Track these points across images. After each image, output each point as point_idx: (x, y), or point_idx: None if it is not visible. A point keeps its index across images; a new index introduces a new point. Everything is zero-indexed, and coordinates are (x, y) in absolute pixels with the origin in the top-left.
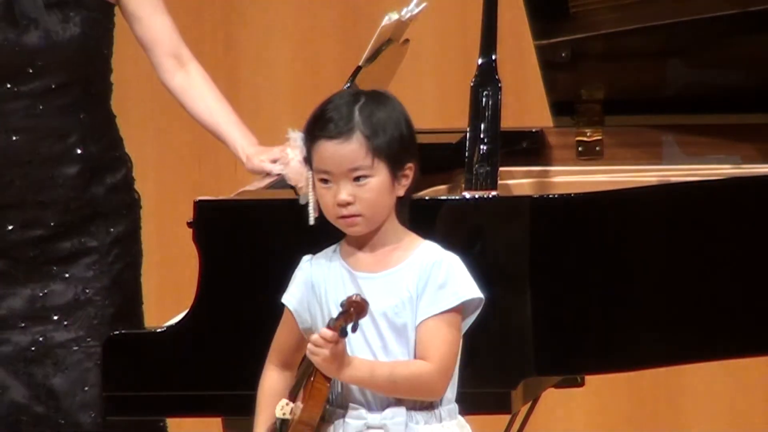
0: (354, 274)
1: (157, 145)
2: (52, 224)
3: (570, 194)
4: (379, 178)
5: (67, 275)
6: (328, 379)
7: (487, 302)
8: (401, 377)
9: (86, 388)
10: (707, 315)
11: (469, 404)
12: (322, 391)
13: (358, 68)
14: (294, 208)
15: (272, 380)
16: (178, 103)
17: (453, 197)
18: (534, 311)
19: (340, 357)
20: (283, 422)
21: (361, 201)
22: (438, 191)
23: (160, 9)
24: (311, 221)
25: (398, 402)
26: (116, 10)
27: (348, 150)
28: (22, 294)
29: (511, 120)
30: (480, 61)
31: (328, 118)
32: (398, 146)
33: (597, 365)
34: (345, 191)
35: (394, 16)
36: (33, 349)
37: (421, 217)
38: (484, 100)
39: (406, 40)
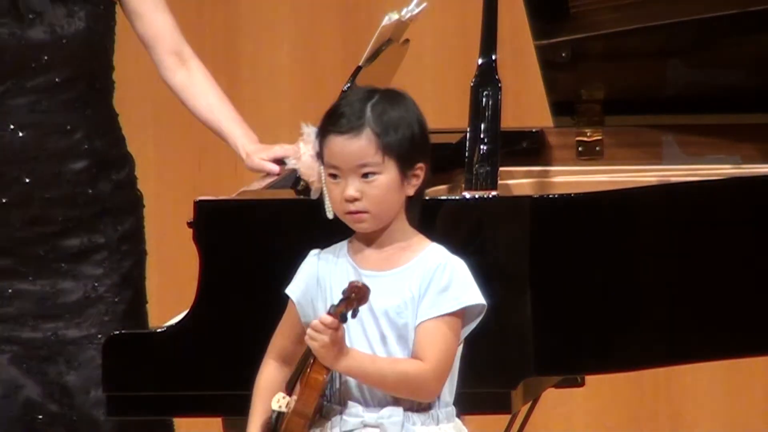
0: (359, 271)
1: (157, 145)
2: (60, 219)
3: (570, 194)
4: (387, 175)
5: (76, 273)
6: (326, 369)
7: (487, 302)
8: (395, 373)
9: (100, 386)
10: (707, 315)
11: (469, 404)
12: (319, 381)
13: (358, 68)
14: (294, 208)
15: (270, 374)
16: (179, 100)
17: (453, 197)
18: (534, 311)
19: (338, 345)
20: (279, 415)
21: (368, 197)
22: (438, 191)
23: (161, 6)
24: (329, 215)
25: (396, 402)
26: (117, 9)
27: (357, 146)
28: (32, 292)
29: (511, 120)
30: (480, 61)
31: (341, 113)
32: (409, 146)
33: (597, 365)
34: (353, 187)
35: (394, 16)
36: (45, 347)
37: (421, 217)
38: (484, 100)
39: (406, 40)
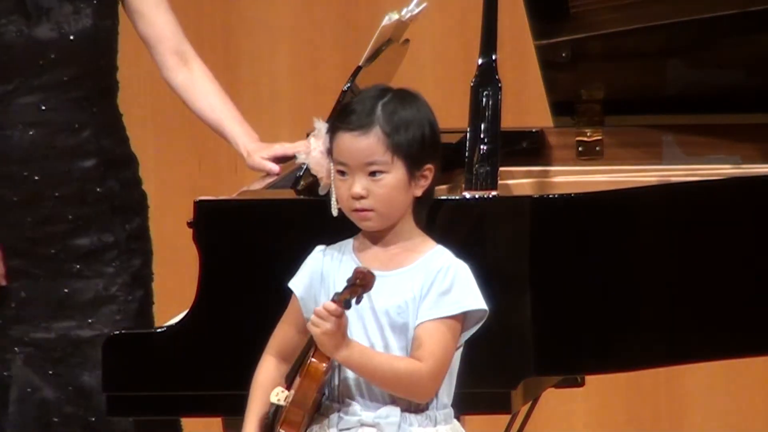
0: None
1: (157, 145)
2: (70, 218)
3: (570, 194)
4: (394, 175)
5: (88, 272)
6: (327, 358)
7: (487, 302)
8: (392, 369)
9: None
10: (707, 315)
11: (469, 404)
12: (319, 371)
13: (358, 68)
14: (294, 208)
15: (268, 370)
16: (180, 99)
17: (453, 197)
18: (534, 311)
19: (340, 333)
20: (277, 409)
21: (375, 196)
22: (438, 191)
23: (163, 6)
24: (334, 212)
25: (393, 402)
26: (119, 9)
27: (365, 144)
28: (43, 293)
29: (511, 120)
30: (480, 61)
31: (351, 110)
32: (418, 146)
33: (597, 365)
34: (359, 184)
35: (394, 16)
36: (59, 348)
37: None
38: (484, 100)
39: (406, 40)
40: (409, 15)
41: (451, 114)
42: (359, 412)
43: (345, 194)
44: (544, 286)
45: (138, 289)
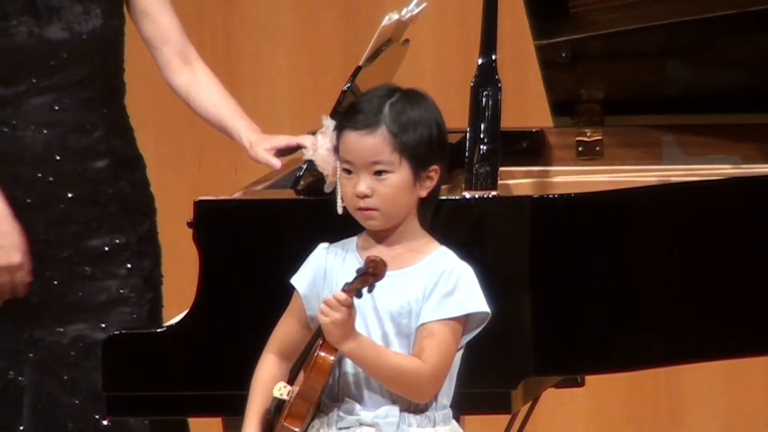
0: None
1: (157, 145)
2: (82, 219)
3: (570, 194)
4: (400, 175)
5: (100, 275)
6: (334, 350)
7: (487, 302)
8: (394, 366)
9: None
10: (707, 315)
11: (469, 404)
12: (327, 363)
13: (358, 68)
14: (294, 208)
15: (269, 368)
16: (181, 100)
17: (453, 197)
18: (534, 311)
19: (348, 324)
20: (280, 404)
21: (379, 195)
22: None
23: (168, 7)
24: (339, 210)
25: (393, 402)
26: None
27: (371, 143)
28: (56, 297)
29: (511, 120)
30: (480, 61)
31: (359, 109)
32: (425, 147)
33: (597, 365)
34: (364, 183)
35: (394, 16)
36: (74, 352)
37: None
38: (484, 100)
39: (406, 40)
40: (409, 15)
41: (451, 114)
42: (358, 411)
43: (350, 193)
44: (544, 286)
45: (149, 291)
